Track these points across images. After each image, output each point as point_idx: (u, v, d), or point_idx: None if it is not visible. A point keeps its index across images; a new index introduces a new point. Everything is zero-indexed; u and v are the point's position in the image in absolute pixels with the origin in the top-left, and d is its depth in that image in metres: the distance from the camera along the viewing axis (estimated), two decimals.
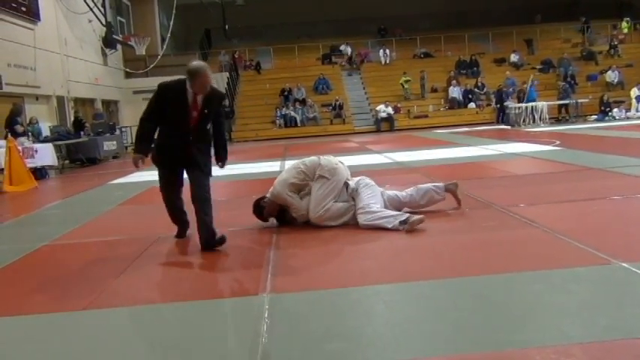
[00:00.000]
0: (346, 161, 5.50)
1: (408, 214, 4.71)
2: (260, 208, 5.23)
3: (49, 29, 17.62)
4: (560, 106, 20.29)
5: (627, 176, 6.65)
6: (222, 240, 4.39)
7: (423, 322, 2.80)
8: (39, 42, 16.68)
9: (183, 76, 4.45)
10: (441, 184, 5.35)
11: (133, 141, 4.48)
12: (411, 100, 23.90)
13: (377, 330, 2.73)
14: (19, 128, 12.21)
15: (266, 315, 2.95)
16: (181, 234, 4.91)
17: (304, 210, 4.98)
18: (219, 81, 25.41)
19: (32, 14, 16.39)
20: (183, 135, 4.44)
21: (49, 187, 10.70)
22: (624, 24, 27.58)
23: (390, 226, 4.62)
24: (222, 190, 8.33)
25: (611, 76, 23.46)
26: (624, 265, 3.33)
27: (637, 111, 19.34)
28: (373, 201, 4.86)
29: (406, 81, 24.05)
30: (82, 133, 15.46)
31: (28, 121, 14.07)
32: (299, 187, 5.06)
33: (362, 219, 4.77)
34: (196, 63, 4.41)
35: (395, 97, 23.92)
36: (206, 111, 4.47)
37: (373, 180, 5.24)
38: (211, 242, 4.40)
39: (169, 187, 4.67)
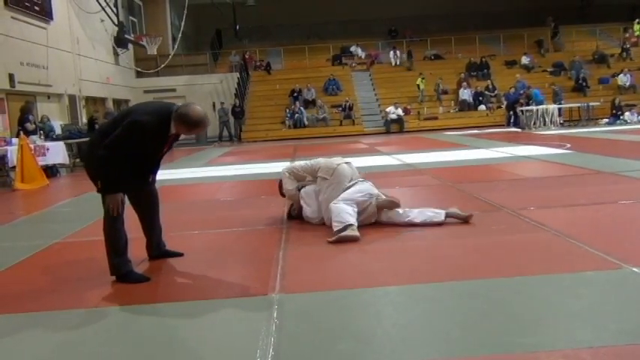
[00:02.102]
0: (356, 163, 5.50)
1: (350, 227, 4.54)
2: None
3: (62, 28, 17.76)
4: (570, 109, 20.20)
5: (638, 181, 6.61)
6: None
7: (433, 324, 2.81)
8: (51, 41, 16.82)
9: (164, 104, 3.98)
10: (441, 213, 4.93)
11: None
12: (425, 103, 23.79)
13: (387, 331, 2.73)
14: (30, 126, 12.29)
15: (275, 315, 2.97)
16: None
17: (292, 191, 5.40)
18: (229, 81, 25.54)
19: (45, 13, 16.52)
20: (148, 164, 4.12)
21: (60, 185, 10.78)
22: (636, 26, 27.38)
23: (334, 228, 4.56)
24: (231, 190, 8.37)
25: (623, 79, 23.30)
26: (635, 269, 3.32)
27: None
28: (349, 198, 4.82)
29: (422, 79, 23.95)
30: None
31: (39, 119, 14.17)
32: (297, 176, 5.47)
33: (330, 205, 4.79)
34: (200, 112, 3.81)
35: (405, 98, 23.87)
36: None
37: (379, 182, 5.26)
38: (163, 252, 4.37)
39: (122, 212, 3.95)
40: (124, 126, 3.71)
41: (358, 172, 5.32)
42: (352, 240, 4.44)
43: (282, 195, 5.67)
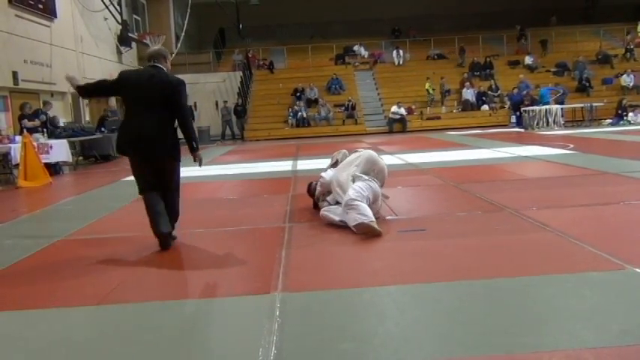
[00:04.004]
0: None
1: (371, 220, 4.61)
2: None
3: (65, 26, 17.78)
4: (573, 109, 20.17)
5: None
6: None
7: (435, 323, 2.81)
8: (55, 39, 16.84)
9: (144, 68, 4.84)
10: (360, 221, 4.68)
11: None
12: (433, 106, 23.75)
13: (389, 331, 2.73)
14: (27, 123, 12.30)
15: (278, 314, 2.97)
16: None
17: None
18: (232, 80, 25.53)
19: (49, 11, 16.54)
20: None
21: (63, 183, 10.80)
22: (639, 27, 27.33)
23: (359, 220, 4.61)
24: (234, 189, 8.38)
25: (627, 79, 23.25)
26: (638, 270, 3.32)
27: None
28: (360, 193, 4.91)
29: (430, 86, 23.91)
30: (103, 129, 15.65)
31: (42, 104, 14.12)
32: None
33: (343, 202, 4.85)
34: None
35: (408, 98, 23.85)
36: None
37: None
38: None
39: None
40: (182, 94, 4.62)
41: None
42: (377, 235, 4.50)
43: (312, 196, 5.80)
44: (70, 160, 12.88)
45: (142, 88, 4.55)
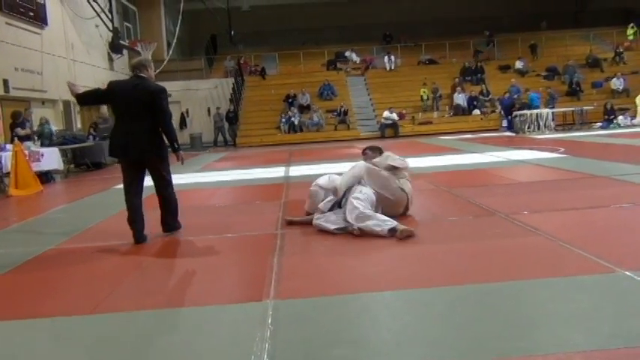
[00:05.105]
0: (350, 168, 5.51)
1: (396, 222, 4.69)
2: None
3: (56, 34, 17.74)
4: (563, 113, 20.32)
5: (632, 184, 6.65)
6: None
7: (427, 329, 2.81)
8: (46, 46, 16.80)
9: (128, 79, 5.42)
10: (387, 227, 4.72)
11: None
12: (427, 112, 23.81)
13: (381, 336, 2.74)
14: (20, 131, 12.25)
15: (270, 321, 2.97)
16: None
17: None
18: (224, 86, 25.53)
19: (40, 19, 16.50)
20: None
21: (54, 191, 10.75)
22: (629, 30, 27.57)
23: (378, 229, 4.64)
24: (226, 196, 8.37)
25: (616, 83, 23.42)
26: (628, 273, 3.34)
27: None
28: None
29: (425, 92, 23.99)
30: (94, 137, 15.60)
31: (38, 123, 14.11)
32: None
33: (352, 215, 4.81)
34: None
35: (400, 103, 23.93)
36: None
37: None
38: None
39: None
40: (163, 100, 5.08)
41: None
42: (410, 234, 4.58)
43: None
44: (62, 168, 12.82)
45: (127, 97, 5.07)
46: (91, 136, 15.73)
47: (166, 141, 5.19)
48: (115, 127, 5.21)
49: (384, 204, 5.17)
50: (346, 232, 4.82)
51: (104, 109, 18.80)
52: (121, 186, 5.31)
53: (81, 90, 5.35)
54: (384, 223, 4.69)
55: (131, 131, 5.02)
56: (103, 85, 5.48)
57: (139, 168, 5.17)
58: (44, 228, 6.55)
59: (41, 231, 6.37)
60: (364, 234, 4.69)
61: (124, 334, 3.01)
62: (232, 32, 28.08)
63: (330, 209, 5.18)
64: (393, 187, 5.30)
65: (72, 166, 14.65)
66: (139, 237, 5.08)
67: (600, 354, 2.38)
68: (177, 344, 2.82)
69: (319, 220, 5.12)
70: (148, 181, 5.30)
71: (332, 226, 4.94)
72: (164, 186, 5.25)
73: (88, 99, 5.57)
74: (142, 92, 5.03)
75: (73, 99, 18.79)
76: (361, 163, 5.44)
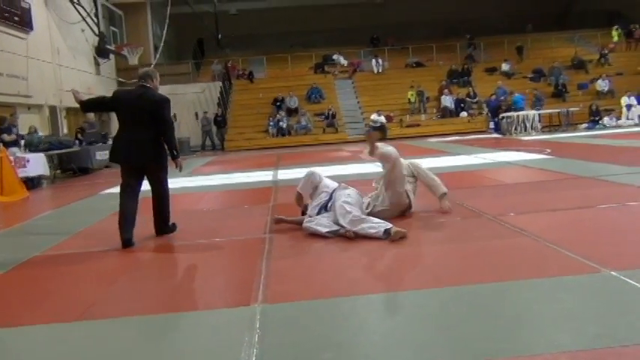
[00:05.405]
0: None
1: (391, 224, 4.72)
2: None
3: (42, 39, 17.62)
4: (549, 114, 20.50)
5: (617, 184, 6.71)
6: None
7: (414, 331, 2.82)
8: (31, 51, 16.67)
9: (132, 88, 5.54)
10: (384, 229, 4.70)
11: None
12: (415, 114, 23.88)
13: (369, 339, 2.74)
14: (6, 137, 12.14)
15: (258, 325, 2.96)
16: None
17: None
18: (212, 90, 25.47)
19: (25, 24, 16.38)
20: None
21: (41, 197, 10.66)
22: (614, 32, 27.90)
23: (373, 231, 4.66)
24: (214, 200, 8.35)
25: (601, 84, 23.66)
26: (613, 273, 3.37)
27: (627, 119, 19.52)
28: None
29: (412, 95, 24.06)
30: (80, 142, 15.51)
31: (27, 131, 14.01)
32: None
33: (346, 219, 4.81)
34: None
35: (388, 105, 24.00)
36: None
37: (361, 190, 5.41)
38: None
39: None
40: (166, 110, 5.28)
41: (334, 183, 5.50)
42: (403, 237, 4.58)
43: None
44: (48, 173, 12.72)
45: (132, 106, 5.28)
46: (77, 141, 15.63)
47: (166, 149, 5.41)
48: (118, 133, 5.45)
49: (390, 194, 5.30)
50: (338, 235, 4.82)
51: (90, 113, 18.63)
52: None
53: (85, 97, 5.60)
54: (378, 225, 4.70)
55: (134, 139, 5.22)
56: (90, 91, 5.54)
57: (138, 173, 5.33)
58: (30, 234, 6.49)
59: (27, 237, 6.31)
60: (358, 237, 4.69)
61: (111, 340, 2.99)
62: (220, 36, 28.01)
63: (318, 213, 5.18)
64: (401, 187, 5.42)
65: (58, 171, 14.54)
66: (127, 241, 5.09)
67: (586, 354, 2.40)
68: (165, 350, 2.81)
69: (310, 223, 5.09)
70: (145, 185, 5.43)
71: (324, 230, 4.91)
72: (160, 193, 5.41)
73: (93, 106, 5.82)
74: (147, 102, 5.25)
75: (60, 104, 18.75)
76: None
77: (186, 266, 4.47)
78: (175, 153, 5.43)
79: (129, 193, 5.25)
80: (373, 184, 5.79)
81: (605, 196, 5.99)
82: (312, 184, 5.49)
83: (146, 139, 5.22)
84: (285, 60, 27.89)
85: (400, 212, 5.53)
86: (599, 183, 6.97)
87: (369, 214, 5.07)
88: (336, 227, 4.87)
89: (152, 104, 5.24)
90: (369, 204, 5.41)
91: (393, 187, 5.36)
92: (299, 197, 5.59)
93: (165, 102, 5.34)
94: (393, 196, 5.38)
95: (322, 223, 4.99)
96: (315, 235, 4.94)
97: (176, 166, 5.50)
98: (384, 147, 5.37)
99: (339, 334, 2.83)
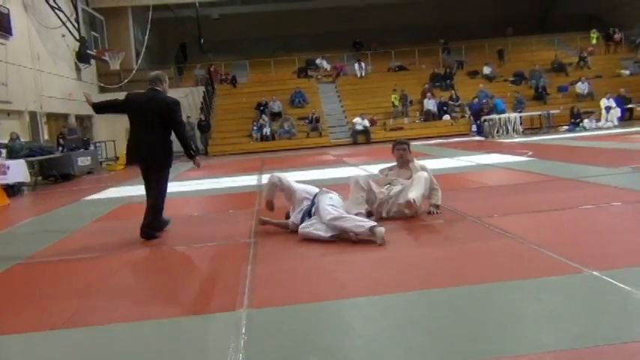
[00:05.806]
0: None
1: (374, 222, 4.76)
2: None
3: (21, 44, 17.42)
4: (531, 117, 20.72)
5: (599, 186, 6.80)
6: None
7: (400, 334, 2.83)
8: (11, 57, 16.47)
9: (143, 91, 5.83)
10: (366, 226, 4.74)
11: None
12: (398, 118, 23.97)
13: (355, 343, 2.74)
14: None
15: (244, 330, 2.95)
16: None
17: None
18: (195, 95, 25.35)
19: (4, 29, 16.18)
20: None
21: (22, 204, 10.52)
22: (593, 35, 28.30)
23: (361, 230, 4.68)
24: (199, 205, 8.30)
25: (581, 87, 23.97)
26: (595, 273, 3.41)
27: (607, 121, 19.78)
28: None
29: (396, 98, 24.16)
30: (62, 147, 15.36)
31: (9, 138, 13.84)
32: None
33: (328, 217, 4.84)
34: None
35: (371, 109, 24.08)
36: None
37: (345, 194, 5.47)
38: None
39: None
40: (177, 112, 5.53)
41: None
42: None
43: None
44: (28, 180, 12.56)
45: (143, 108, 5.50)
46: (60, 147, 15.47)
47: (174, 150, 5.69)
48: (131, 135, 5.68)
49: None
50: (340, 238, 4.80)
51: (72, 119, 18.52)
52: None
53: (95, 100, 5.88)
54: (362, 222, 4.74)
55: (144, 140, 5.51)
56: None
57: (150, 170, 5.66)
58: (10, 242, 6.41)
59: (7, 245, 6.22)
60: (359, 240, 4.68)
61: (93, 348, 2.95)
62: (202, 40, 27.89)
63: (302, 219, 5.16)
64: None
65: (39, 178, 14.37)
66: (147, 234, 5.47)
67: (569, 354, 2.42)
68: (150, 356, 2.78)
69: (307, 228, 4.99)
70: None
71: (325, 234, 4.83)
72: (155, 195, 5.60)
73: (105, 108, 5.96)
74: (157, 104, 5.48)
75: (40, 110, 18.47)
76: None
77: (171, 272, 4.43)
78: (193, 152, 5.78)
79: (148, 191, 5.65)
80: (384, 188, 5.88)
81: (586, 197, 6.06)
82: (279, 188, 5.56)
83: (154, 140, 5.49)
84: (268, 64, 27.88)
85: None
86: (580, 184, 7.06)
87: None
88: (337, 231, 4.83)
89: (163, 107, 5.47)
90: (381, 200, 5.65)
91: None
92: (269, 203, 5.62)
93: (175, 104, 5.56)
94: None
95: (319, 228, 4.90)
96: (305, 239, 4.89)
97: (194, 163, 5.84)
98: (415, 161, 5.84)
99: (325, 338, 2.83)
